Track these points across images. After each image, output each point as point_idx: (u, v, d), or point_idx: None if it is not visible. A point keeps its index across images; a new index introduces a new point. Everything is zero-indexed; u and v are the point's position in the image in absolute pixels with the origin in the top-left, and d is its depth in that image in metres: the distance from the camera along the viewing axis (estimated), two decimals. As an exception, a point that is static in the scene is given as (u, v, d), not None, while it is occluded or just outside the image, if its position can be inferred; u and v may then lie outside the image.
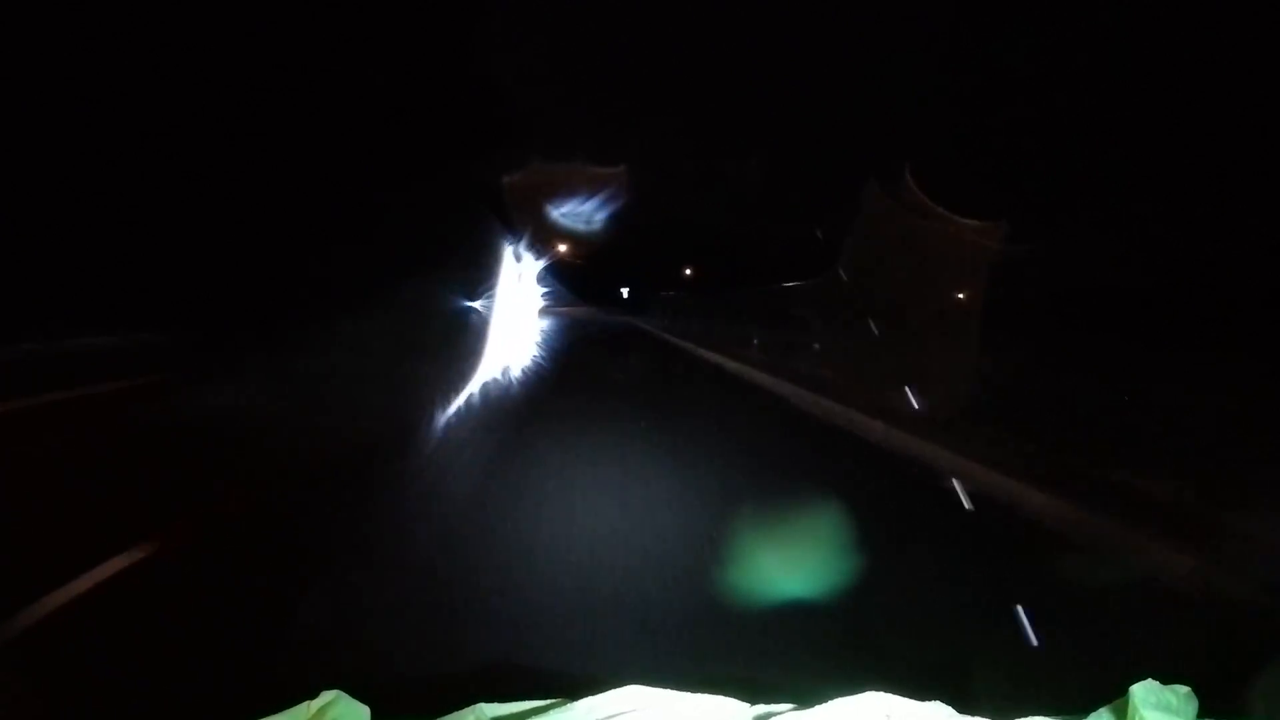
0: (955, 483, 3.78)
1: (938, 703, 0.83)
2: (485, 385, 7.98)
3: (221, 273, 9.93)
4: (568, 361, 11.73)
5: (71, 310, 8.99)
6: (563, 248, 33.26)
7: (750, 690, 0.88)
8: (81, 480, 4.19)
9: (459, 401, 6.75)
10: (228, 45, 9.99)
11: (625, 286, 36.14)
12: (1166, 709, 0.78)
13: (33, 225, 8.52)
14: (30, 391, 6.31)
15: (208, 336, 9.82)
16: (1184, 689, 0.81)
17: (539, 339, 15.48)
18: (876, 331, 9.47)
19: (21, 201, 8.26)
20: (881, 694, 0.84)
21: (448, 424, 5.82)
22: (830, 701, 0.83)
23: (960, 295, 10.32)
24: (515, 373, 9.53)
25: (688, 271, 29.69)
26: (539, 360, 11.04)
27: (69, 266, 8.91)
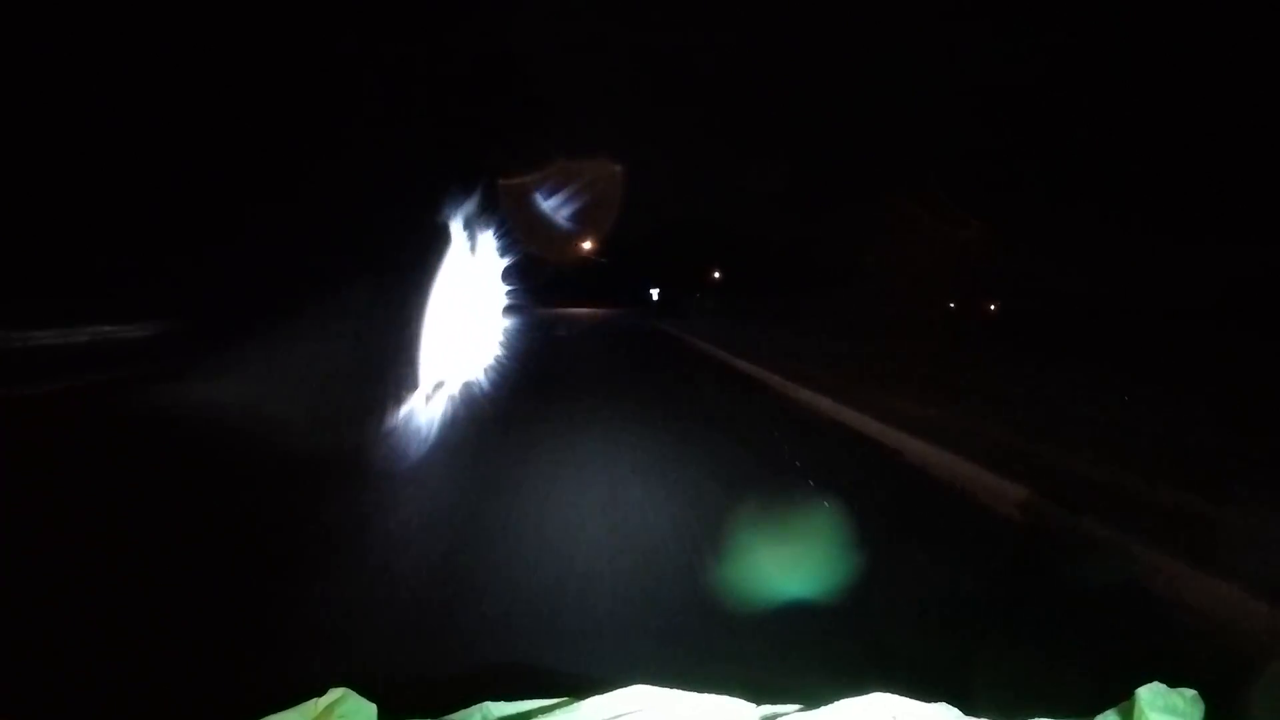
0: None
1: (943, 704, 0.84)
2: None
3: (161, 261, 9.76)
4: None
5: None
6: (586, 245, 33.05)
7: (756, 691, 0.88)
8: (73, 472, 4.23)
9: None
10: (221, 31, 9.86)
11: (654, 287, 35.19)
12: (1173, 712, 0.78)
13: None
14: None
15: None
16: (1190, 692, 0.81)
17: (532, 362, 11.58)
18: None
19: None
20: (887, 695, 0.84)
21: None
22: (836, 702, 0.83)
23: (989, 298, 10.30)
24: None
25: (716, 274, 29.40)
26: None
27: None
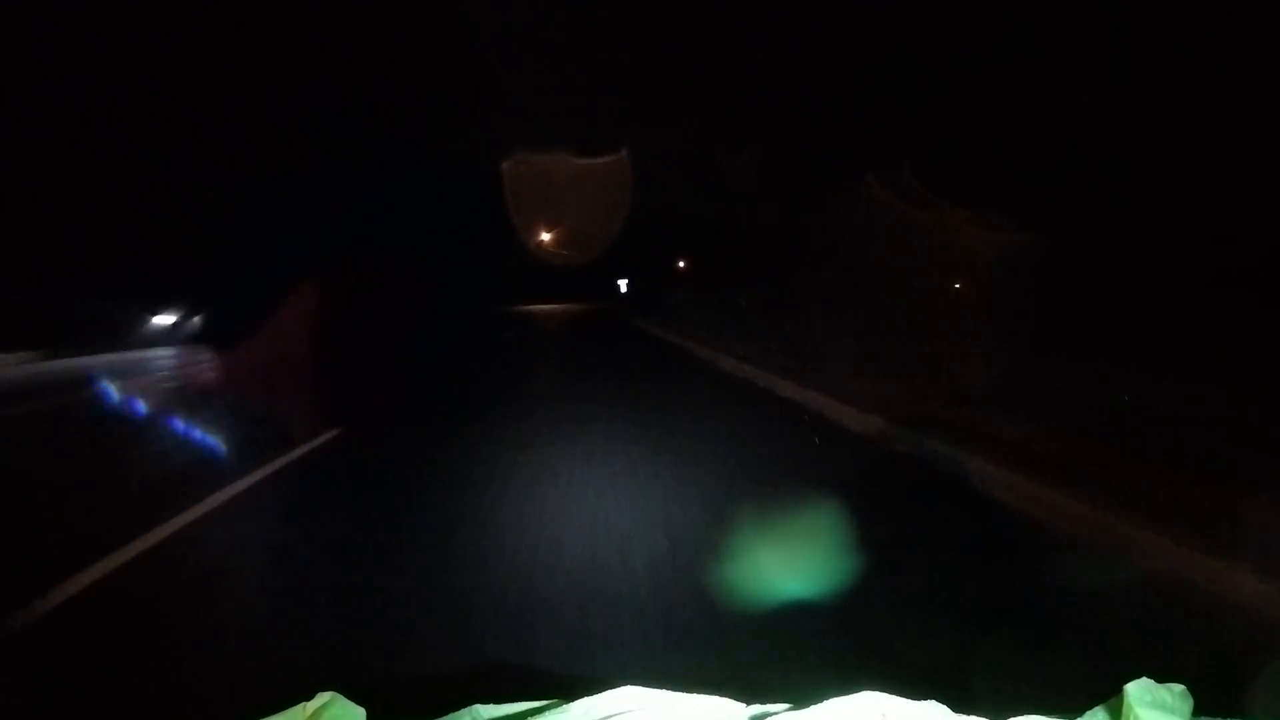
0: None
1: (933, 702, 0.84)
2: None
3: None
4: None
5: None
6: (546, 237, 32.58)
7: (746, 690, 0.88)
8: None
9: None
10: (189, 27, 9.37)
11: (622, 279, 34.64)
12: (1161, 707, 0.78)
13: None
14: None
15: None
16: (1179, 687, 0.81)
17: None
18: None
19: None
20: (877, 693, 0.84)
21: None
22: (826, 701, 0.83)
23: (957, 284, 10.27)
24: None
25: (681, 264, 29.11)
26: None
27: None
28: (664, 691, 0.85)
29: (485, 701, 0.84)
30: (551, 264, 32.83)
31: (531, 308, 32.42)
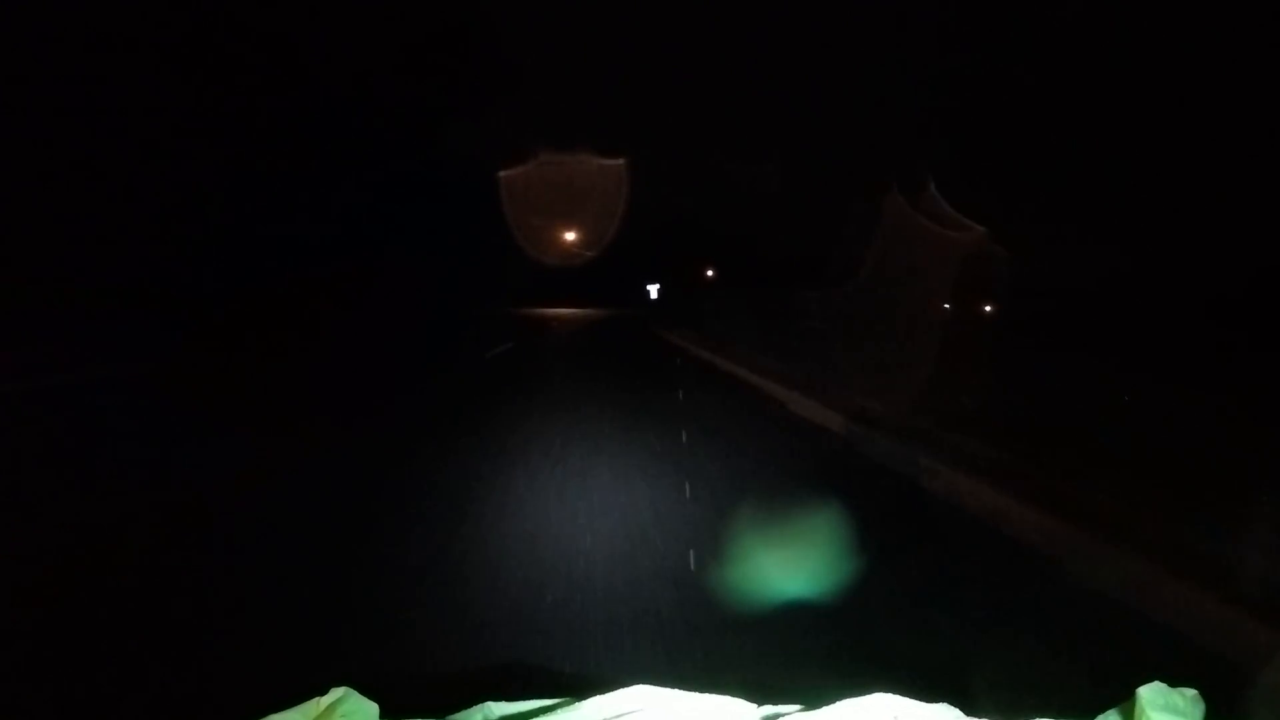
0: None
1: (944, 704, 0.84)
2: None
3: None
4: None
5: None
6: (570, 236, 32.13)
7: (757, 691, 0.88)
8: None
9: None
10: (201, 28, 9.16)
11: (652, 284, 33.88)
12: (1174, 712, 0.78)
13: None
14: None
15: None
16: (1191, 692, 0.81)
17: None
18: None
19: None
20: (888, 695, 0.84)
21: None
22: (837, 703, 0.83)
23: (981, 300, 10.22)
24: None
25: (709, 272, 28.82)
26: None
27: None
28: (676, 691, 0.85)
29: (497, 699, 0.85)
30: (568, 265, 32.30)
31: (544, 310, 31.54)
